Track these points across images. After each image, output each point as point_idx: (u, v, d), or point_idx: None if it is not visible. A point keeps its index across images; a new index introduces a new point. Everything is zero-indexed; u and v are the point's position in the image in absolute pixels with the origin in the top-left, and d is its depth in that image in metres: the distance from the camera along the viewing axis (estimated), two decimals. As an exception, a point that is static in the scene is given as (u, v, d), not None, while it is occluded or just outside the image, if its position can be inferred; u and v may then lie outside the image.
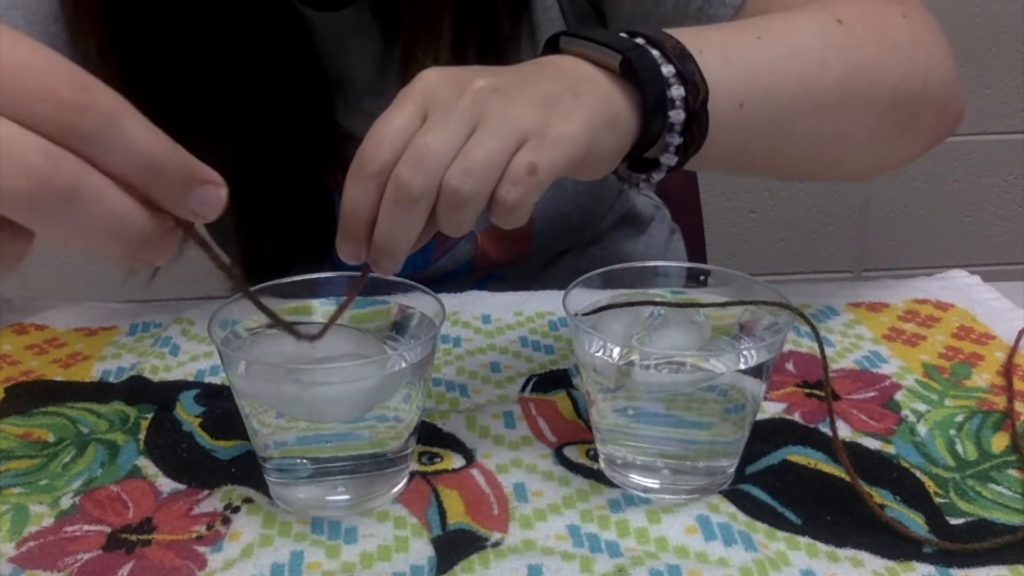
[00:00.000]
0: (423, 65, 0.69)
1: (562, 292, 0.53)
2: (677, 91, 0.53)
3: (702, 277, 0.57)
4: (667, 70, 0.53)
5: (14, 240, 0.34)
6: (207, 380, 0.63)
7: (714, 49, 0.56)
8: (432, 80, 0.50)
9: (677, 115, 0.53)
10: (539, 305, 0.74)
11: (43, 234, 0.33)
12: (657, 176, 0.56)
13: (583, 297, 0.54)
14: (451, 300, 0.73)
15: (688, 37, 0.55)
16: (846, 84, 0.61)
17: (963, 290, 0.75)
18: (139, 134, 0.33)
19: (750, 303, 0.54)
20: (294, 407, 0.49)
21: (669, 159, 0.55)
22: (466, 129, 0.48)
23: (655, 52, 0.53)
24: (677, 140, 0.54)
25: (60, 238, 0.33)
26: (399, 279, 0.54)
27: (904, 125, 0.66)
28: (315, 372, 0.48)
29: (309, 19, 0.74)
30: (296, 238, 0.79)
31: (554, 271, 0.87)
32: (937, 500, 0.52)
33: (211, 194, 0.36)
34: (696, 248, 1.10)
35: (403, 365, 0.49)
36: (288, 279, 0.54)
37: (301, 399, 0.48)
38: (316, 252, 0.79)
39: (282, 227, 0.79)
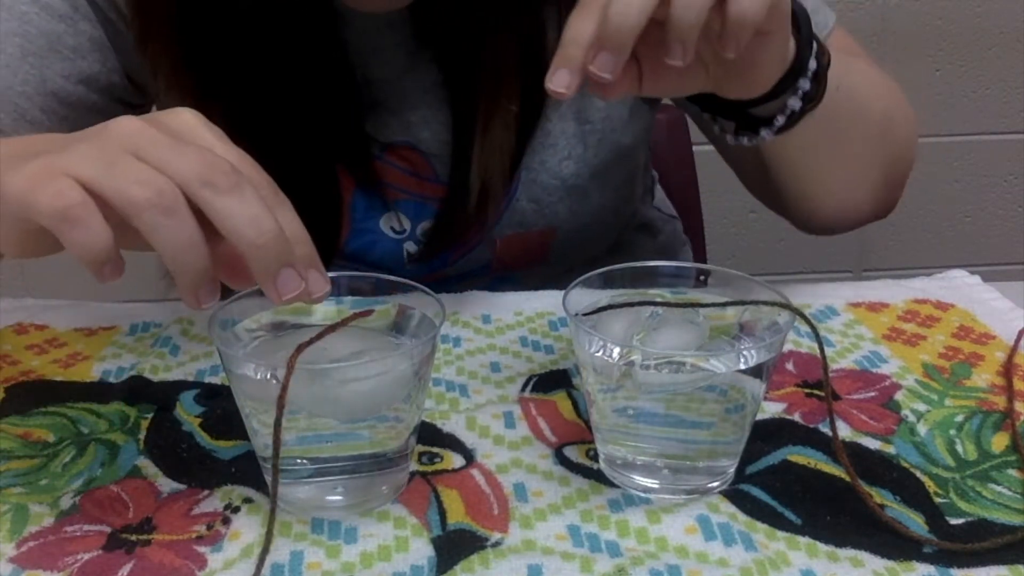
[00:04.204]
0: (507, 113, 0.72)
1: (562, 292, 0.53)
2: (815, 45, 0.62)
3: (702, 277, 0.57)
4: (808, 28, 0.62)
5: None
6: (207, 380, 0.63)
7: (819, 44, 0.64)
8: None
9: (812, 63, 0.61)
10: (539, 305, 0.74)
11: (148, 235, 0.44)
12: (780, 120, 0.63)
13: (583, 297, 0.54)
14: (451, 300, 0.73)
15: None
16: (883, 122, 0.76)
17: (963, 290, 0.75)
18: (296, 218, 0.47)
19: (750, 303, 0.54)
20: (324, 406, 0.48)
21: (795, 103, 0.63)
22: None
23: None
24: (807, 85, 0.62)
25: (219, 216, 0.44)
26: (399, 279, 0.54)
27: (891, 184, 0.80)
28: (350, 369, 0.48)
29: (343, 13, 0.73)
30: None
31: (568, 277, 0.87)
32: (937, 500, 0.52)
33: (320, 281, 0.48)
34: (696, 248, 1.10)
35: (432, 349, 0.50)
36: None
37: (336, 397, 0.48)
38: (324, 250, 0.79)
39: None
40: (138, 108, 0.79)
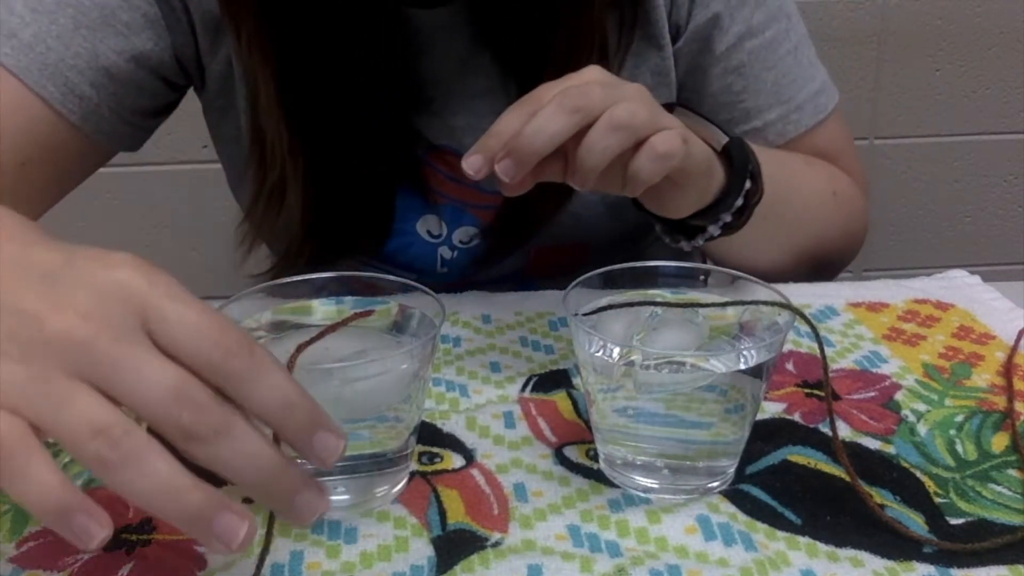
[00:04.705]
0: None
1: (562, 292, 0.53)
2: (748, 184, 0.65)
3: (702, 277, 0.57)
4: (751, 165, 0.65)
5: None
6: (207, 380, 0.63)
7: (765, 171, 0.67)
8: None
9: (738, 201, 0.64)
10: (539, 305, 0.74)
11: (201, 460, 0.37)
12: (699, 240, 0.67)
13: (583, 297, 0.54)
14: (451, 300, 0.73)
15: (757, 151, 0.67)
16: (815, 235, 0.80)
17: (963, 290, 0.75)
18: (280, 378, 0.39)
19: (750, 303, 0.54)
20: (326, 406, 0.48)
21: (714, 229, 0.66)
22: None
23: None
24: (728, 218, 0.65)
25: (210, 464, 0.37)
26: (400, 279, 0.54)
27: (816, 270, 0.82)
28: (354, 368, 0.48)
29: (402, 14, 0.73)
30: (350, 231, 0.79)
31: None
32: (937, 500, 0.52)
33: (331, 442, 0.40)
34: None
35: (432, 350, 0.50)
36: (287, 279, 0.54)
37: (338, 397, 0.48)
38: (365, 248, 0.80)
39: (340, 218, 0.78)
40: (181, 89, 0.79)
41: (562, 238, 0.80)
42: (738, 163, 0.64)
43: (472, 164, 0.57)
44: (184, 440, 0.36)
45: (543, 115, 0.55)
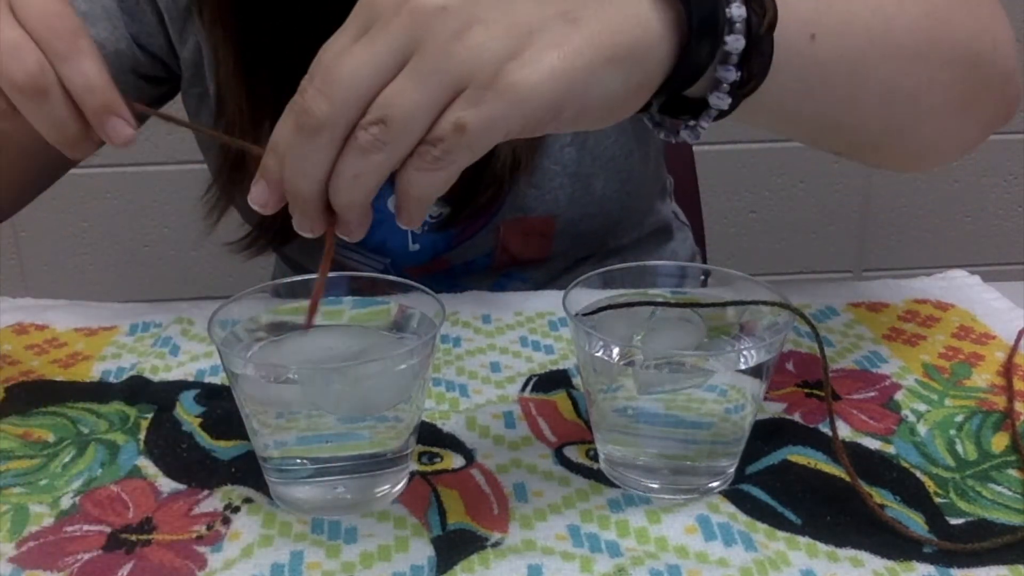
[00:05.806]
0: None
1: (562, 292, 0.53)
2: (738, 10, 0.43)
3: (702, 277, 0.57)
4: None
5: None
6: (207, 380, 0.63)
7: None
8: None
9: (736, 42, 0.43)
10: (539, 305, 0.74)
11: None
12: (704, 123, 0.47)
13: (583, 297, 0.54)
14: (451, 300, 0.73)
15: None
16: (923, 30, 0.54)
17: (963, 290, 0.75)
18: (89, 66, 0.49)
19: (750, 303, 0.54)
20: (331, 406, 0.48)
21: (720, 100, 0.45)
22: (394, 57, 0.41)
23: None
24: (733, 75, 0.44)
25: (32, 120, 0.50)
26: (399, 279, 0.54)
27: (973, 93, 0.60)
28: (355, 368, 0.48)
29: None
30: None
31: (573, 277, 0.87)
32: (937, 500, 0.52)
33: (120, 127, 0.50)
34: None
35: (432, 350, 0.50)
36: (288, 279, 0.54)
37: (342, 396, 0.48)
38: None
39: None
40: (156, 83, 0.79)
41: (527, 210, 0.80)
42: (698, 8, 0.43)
43: (256, 197, 0.46)
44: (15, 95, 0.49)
45: (288, 142, 0.43)
